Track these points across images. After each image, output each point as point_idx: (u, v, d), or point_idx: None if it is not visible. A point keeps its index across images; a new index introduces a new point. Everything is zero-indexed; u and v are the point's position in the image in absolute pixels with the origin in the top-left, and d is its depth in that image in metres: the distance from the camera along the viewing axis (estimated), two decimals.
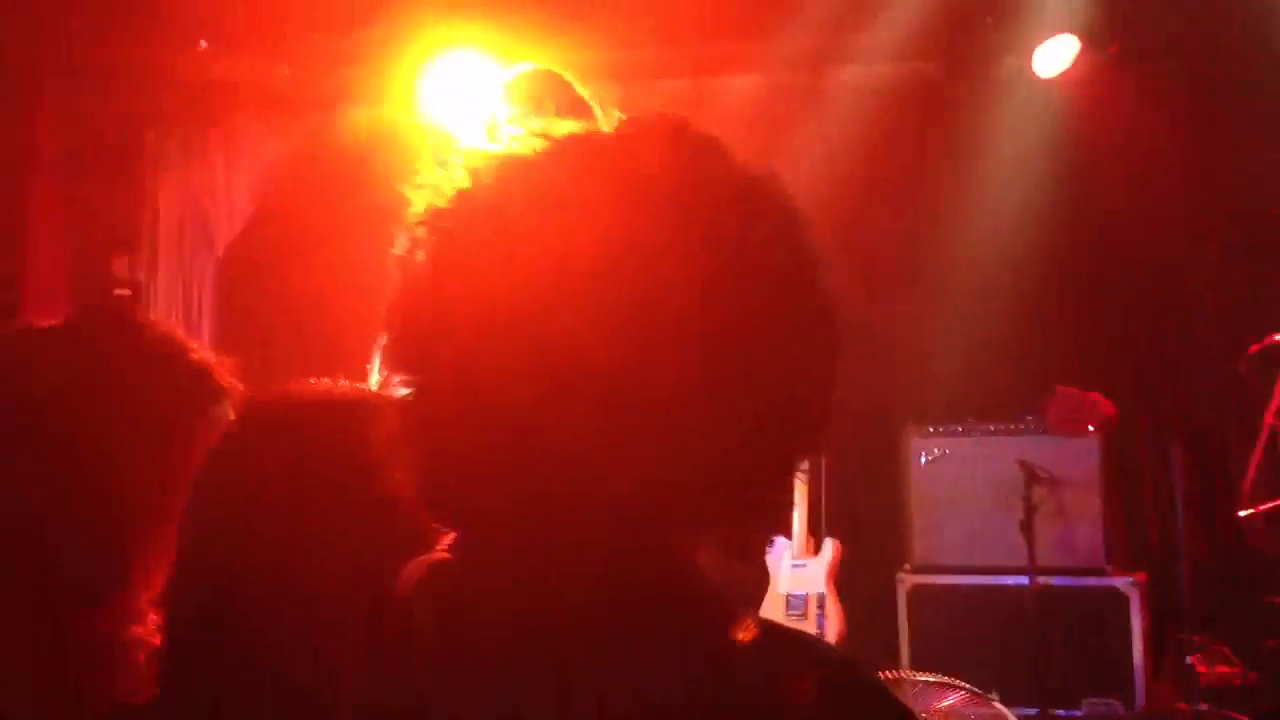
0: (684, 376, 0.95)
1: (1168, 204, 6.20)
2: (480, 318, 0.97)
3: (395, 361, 1.03)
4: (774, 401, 0.99)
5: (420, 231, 1.04)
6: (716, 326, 0.96)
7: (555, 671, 0.95)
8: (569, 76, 3.43)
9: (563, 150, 1.03)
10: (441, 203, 1.03)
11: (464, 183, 1.03)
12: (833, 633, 5.44)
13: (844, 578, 5.72)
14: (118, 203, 6.86)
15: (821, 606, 5.55)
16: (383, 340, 1.07)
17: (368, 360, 5.78)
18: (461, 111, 5.24)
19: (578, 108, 3.35)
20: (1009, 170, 6.40)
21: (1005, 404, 5.88)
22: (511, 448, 0.96)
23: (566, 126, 1.05)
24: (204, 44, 6.18)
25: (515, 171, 1.03)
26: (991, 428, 5.71)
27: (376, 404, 1.44)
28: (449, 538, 1.06)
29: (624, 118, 1.06)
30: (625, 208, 0.98)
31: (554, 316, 0.95)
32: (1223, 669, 5.46)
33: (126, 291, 6.95)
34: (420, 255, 1.03)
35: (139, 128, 6.92)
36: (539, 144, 1.04)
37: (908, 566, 5.68)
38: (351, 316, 6.65)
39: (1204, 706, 5.19)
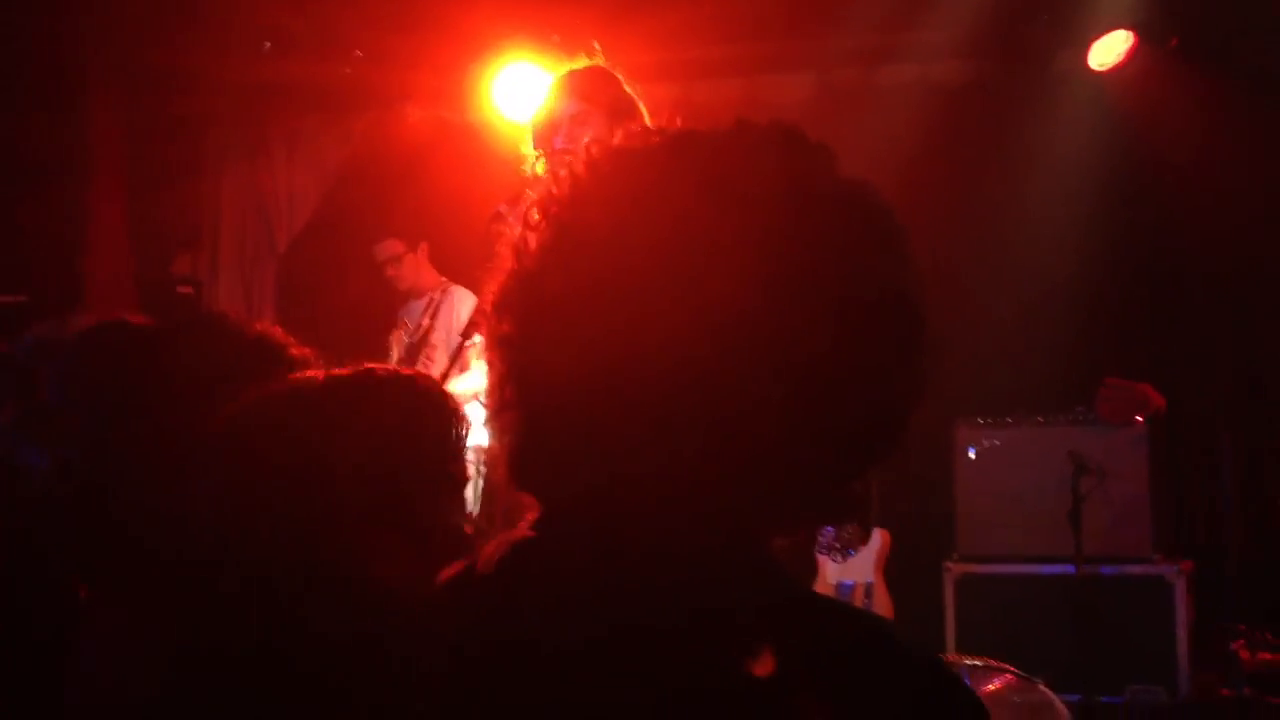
0: (782, 372, 0.97)
1: (1221, 199, 6.19)
2: (588, 301, 1.00)
3: (502, 339, 1.06)
4: (865, 403, 1.01)
5: (535, 218, 1.07)
6: (816, 328, 0.98)
7: (632, 655, 0.96)
8: (617, 74, 3.49)
9: (677, 147, 1.06)
10: (557, 191, 1.07)
11: (580, 173, 1.06)
12: None
13: (892, 567, 5.78)
14: (180, 203, 6.93)
15: (869, 595, 5.62)
16: (486, 320, 1.10)
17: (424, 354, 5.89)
18: (524, 111, 5.33)
19: (625, 105, 3.43)
20: (1063, 165, 6.41)
21: (1055, 396, 5.92)
22: (604, 429, 0.99)
23: (679, 123, 1.08)
24: (267, 45, 6.25)
25: (630, 164, 1.05)
26: (1040, 419, 5.74)
27: (423, 383, 1.50)
28: (532, 516, 1.07)
29: (738, 119, 1.08)
30: (734, 206, 1.00)
31: (658, 305, 0.97)
32: (1265, 656, 5.46)
33: (189, 290, 7.04)
34: (533, 241, 1.06)
35: (201, 129, 7.00)
36: (654, 140, 1.07)
37: (955, 556, 5.73)
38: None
39: (1247, 691, 5.21)
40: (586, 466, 1.00)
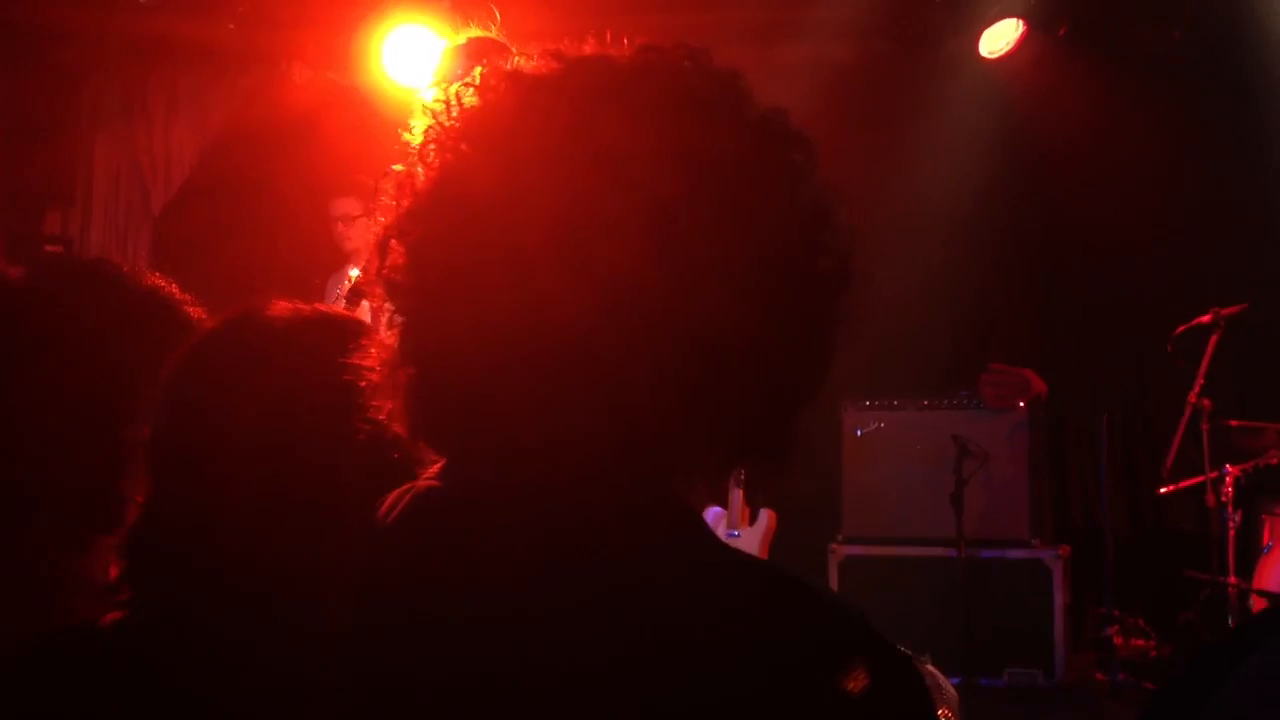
0: (672, 335, 0.92)
1: (1110, 185, 6.30)
2: (488, 236, 0.94)
3: (392, 285, 1.00)
4: (764, 369, 0.96)
5: (426, 151, 1.00)
6: (725, 257, 0.93)
7: (530, 601, 0.92)
8: (509, 45, 3.43)
9: (576, 70, 0.99)
10: (447, 121, 1.00)
11: (472, 101, 1.00)
12: None
13: (777, 548, 5.79)
14: (52, 159, 6.73)
15: None
16: (370, 264, 1.03)
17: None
18: (416, 74, 5.23)
19: None
20: (953, 149, 6.47)
21: (940, 379, 5.98)
22: (514, 375, 0.93)
23: (580, 49, 1.01)
24: None
25: (527, 90, 0.99)
26: (926, 402, 5.79)
27: (352, 324, 1.46)
28: (436, 466, 1.03)
29: (643, 44, 1.02)
30: (637, 130, 0.94)
31: (563, 234, 0.92)
32: (1138, 642, 5.60)
33: (58, 249, 6.84)
34: (422, 174, 0.99)
35: (77, 82, 6.79)
36: (553, 65, 1.00)
37: (840, 538, 5.77)
38: (289, 281, 6.65)
39: (1122, 677, 5.32)
40: (484, 422, 0.96)
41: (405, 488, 1.03)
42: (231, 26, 6.22)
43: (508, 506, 0.96)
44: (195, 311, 1.66)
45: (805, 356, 0.99)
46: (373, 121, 5.87)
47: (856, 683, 0.90)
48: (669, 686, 0.88)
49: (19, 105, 6.48)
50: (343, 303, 3.17)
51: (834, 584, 5.69)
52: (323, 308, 1.46)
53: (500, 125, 0.98)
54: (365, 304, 3.12)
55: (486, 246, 0.94)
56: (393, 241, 1.00)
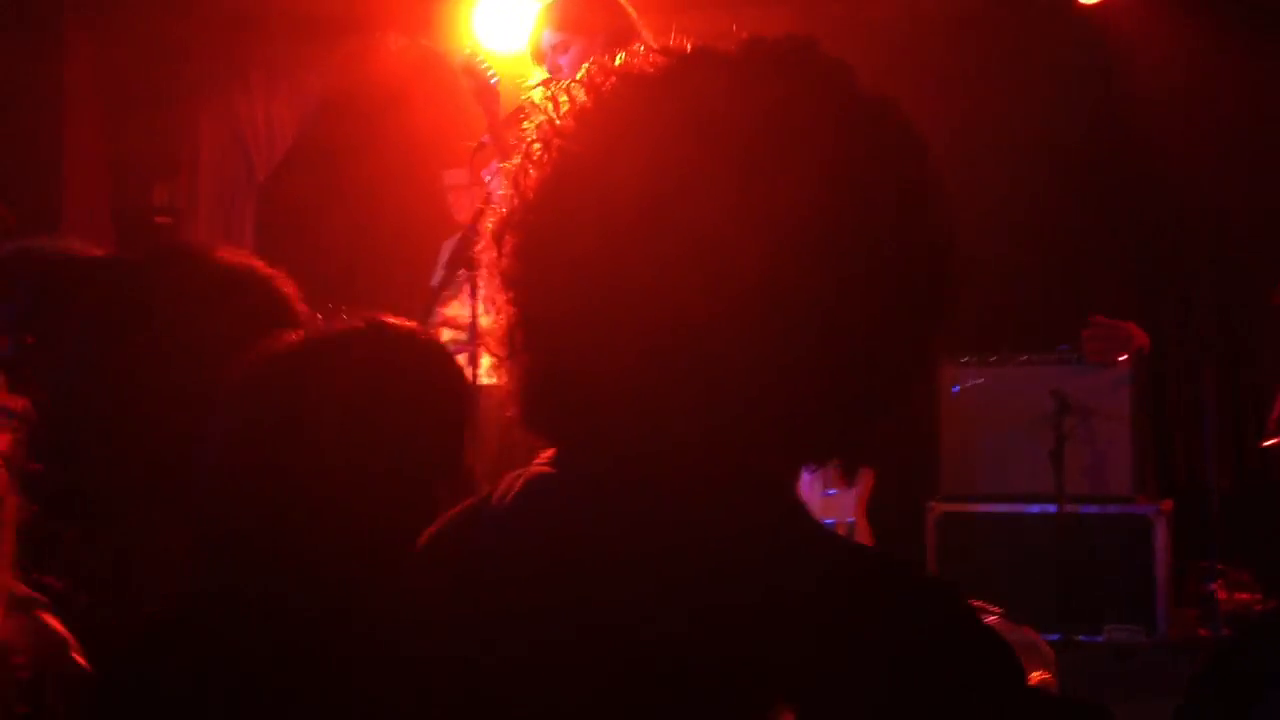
0: (809, 302, 0.94)
1: (1209, 134, 6.16)
2: (602, 235, 0.96)
3: (504, 278, 1.03)
4: (886, 333, 0.98)
5: (536, 148, 1.02)
6: (838, 255, 0.95)
7: (649, 586, 0.95)
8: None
9: (685, 68, 1.01)
10: (559, 120, 1.02)
11: (583, 99, 1.01)
12: None
13: (874, 506, 5.79)
14: (158, 132, 6.86)
15: (851, 534, 5.63)
16: (484, 256, 1.06)
17: (405, 292, 5.85)
18: (510, 41, 5.26)
19: (615, 30, 3.37)
20: (1049, 101, 6.38)
21: (1040, 334, 5.91)
22: (623, 363, 0.96)
23: (687, 44, 1.03)
24: None
25: (637, 88, 1.00)
26: (1025, 358, 5.73)
27: (430, 341, 1.51)
28: (548, 453, 1.05)
29: (749, 37, 1.04)
30: (750, 129, 0.96)
31: (674, 235, 0.94)
32: (1243, 596, 5.51)
33: (167, 220, 6.98)
34: (533, 174, 1.01)
35: (179, 56, 6.91)
36: (662, 61, 1.02)
37: (938, 495, 5.74)
38: (391, 248, 6.75)
39: (1226, 632, 5.25)
40: (600, 407, 0.98)
41: (517, 473, 1.05)
42: None
43: (619, 493, 0.98)
44: (289, 289, 1.69)
45: (910, 337, 1.01)
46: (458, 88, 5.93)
47: (957, 672, 0.92)
48: (776, 673, 0.91)
49: (123, 79, 6.61)
50: (443, 271, 3.24)
51: (931, 541, 5.68)
52: (415, 327, 1.49)
53: (609, 122, 1.00)
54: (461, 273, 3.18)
55: (596, 240, 0.96)
56: (507, 234, 1.02)
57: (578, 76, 1.04)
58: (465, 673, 1.01)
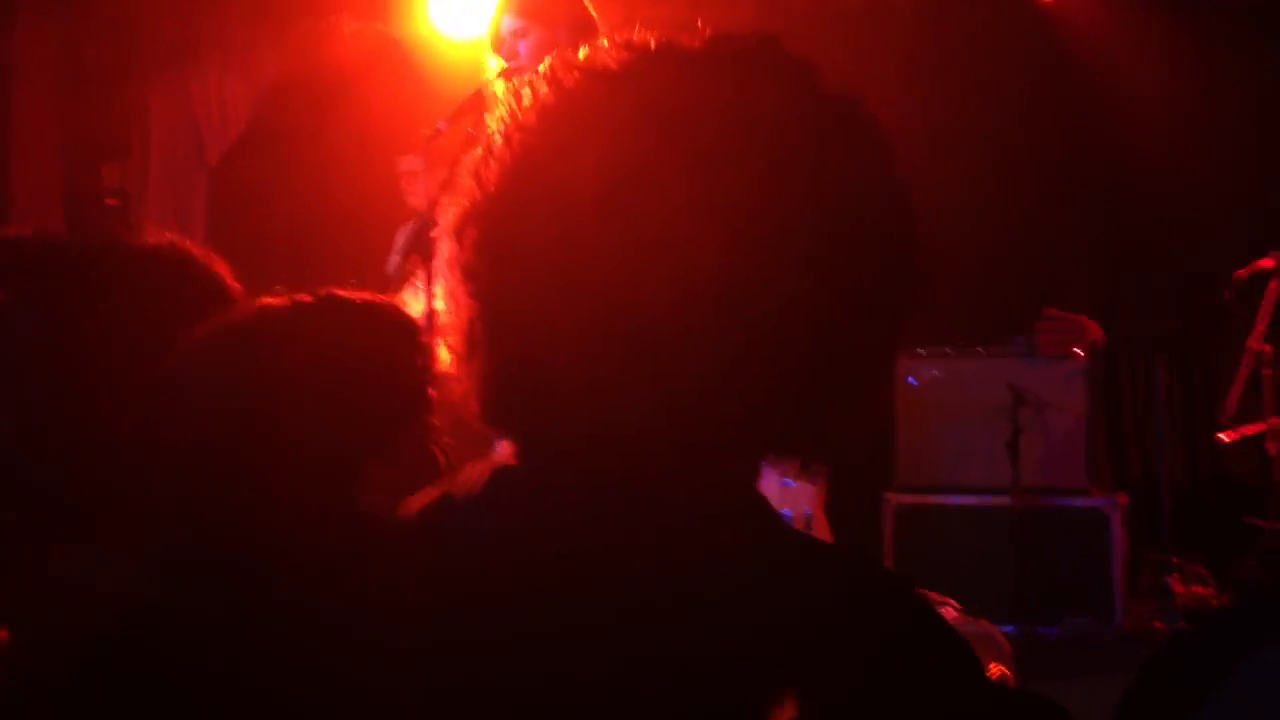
0: (767, 296, 0.94)
1: (1168, 129, 6.20)
2: (561, 230, 0.95)
3: (463, 272, 1.02)
4: (845, 328, 0.98)
5: (497, 141, 1.01)
6: (798, 251, 0.95)
7: (614, 580, 0.96)
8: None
9: (649, 64, 1.01)
10: (521, 114, 1.01)
11: (545, 93, 1.01)
12: None
13: (832, 497, 5.78)
14: (108, 113, 6.78)
15: (809, 526, 5.62)
16: (444, 248, 1.05)
17: (358, 277, 5.81)
18: (465, 27, 5.22)
19: (575, 19, 3.36)
20: (1008, 94, 6.40)
21: (995, 327, 5.93)
22: (584, 359, 0.95)
23: (651, 39, 1.02)
24: None
25: (599, 82, 1.00)
26: (980, 350, 5.75)
27: (392, 311, 1.47)
28: (509, 448, 1.05)
29: (713, 33, 1.04)
30: (713, 126, 0.96)
31: (633, 229, 0.94)
32: (1199, 590, 5.56)
33: (116, 202, 6.90)
34: (494, 168, 1.01)
35: (131, 36, 6.82)
36: (626, 56, 1.01)
37: (894, 486, 5.75)
38: (344, 234, 6.69)
39: (1181, 625, 5.29)
40: (560, 401, 0.98)
41: (480, 463, 1.06)
42: None
43: (580, 487, 0.99)
44: (220, 268, 1.63)
45: (870, 332, 1.00)
46: (423, 71, 5.88)
47: (915, 668, 0.93)
48: (738, 671, 0.92)
49: (73, 57, 6.52)
50: (398, 257, 3.19)
51: (888, 533, 5.69)
52: (374, 298, 1.46)
53: (571, 116, 1.00)
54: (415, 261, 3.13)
55: (556, 233, 0.96)
56: (468, 228, 1.02)
57: (540, 70, 1.03)
58: (439, 664, 1.01)
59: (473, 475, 1.06)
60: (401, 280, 3.22)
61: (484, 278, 1.01)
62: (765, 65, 1.02)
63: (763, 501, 1.02)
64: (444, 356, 1.37)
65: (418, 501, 1.10)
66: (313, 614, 1.20)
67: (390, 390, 1.39)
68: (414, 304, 5.24)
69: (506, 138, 1.01)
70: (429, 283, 3.10)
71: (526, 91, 1.02)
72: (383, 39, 6.38)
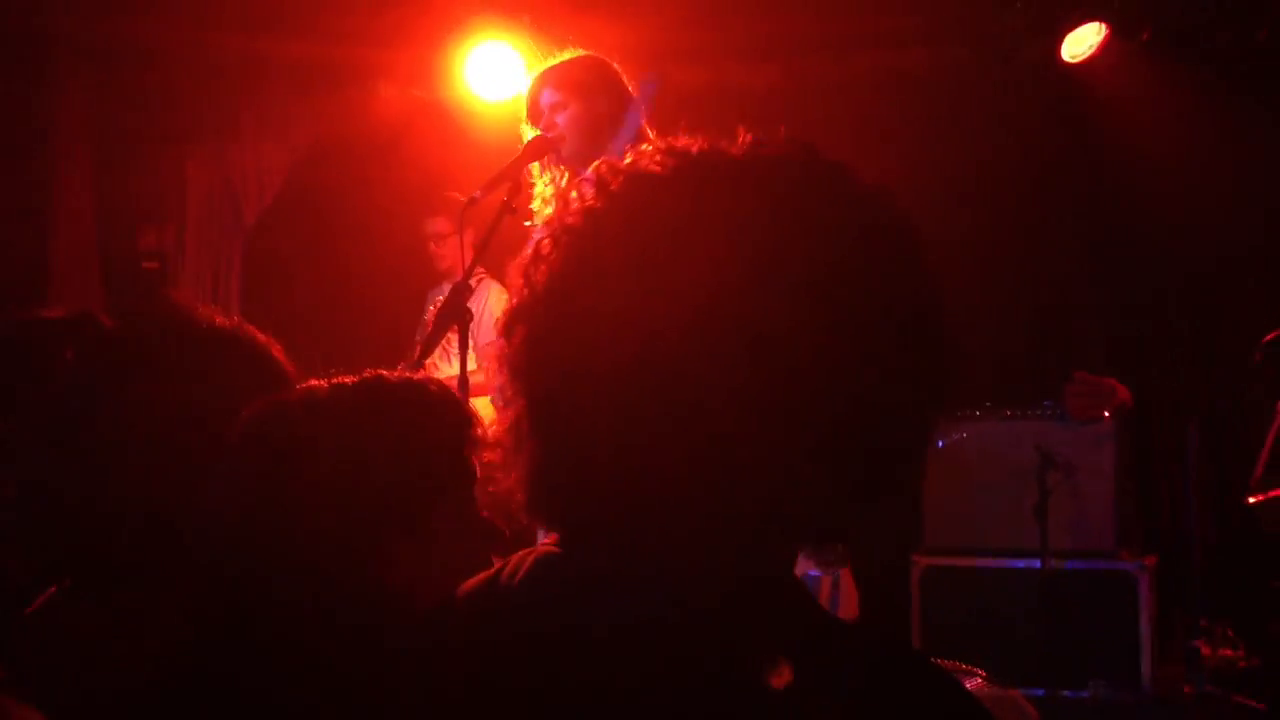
0: (805, 400, 0.97)
1: (1195, 191, 6.21)
2: (605, 335, 0.99)
3: (511, 370, 1.05)
4: (885, 421, 1.01)
5: (546, 246, 1.05)
6: (835, 354, 0.98)
7: (658, 667, 0.97)
8: (607, 60, 3.47)
9: (693, 169, 1.04)
10: (569, 218, 1.05)
11: (592, 197, 1.05)
12: (847, 614, 5.51)
13: (858, 559, 5.78)
14: (146, 178, 6.86)
15: (836, 588, 5.62)
16: (493, 346, 1.09)
17: (393, 343, 5.86)
18: (500, 91, 5.30)
19: (619, 93, 3.42)
20: (1032, 157, 6.43)
21: (1024, 390, 5.94)
22: (631, 454, 0.99)
23: (694, 144, 1.06)
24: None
25: (645, 189, 1.04)
26: (1009, 413, 5.75)
27: (427, 393, 1.51)
28: (553, 536, 1.08)
29: (752, 140, 1.07)
30: (754, 230, 1.00)
31: (678, 338, 0.97)
32: (1226, 652, 5.51)
33: (155, 265, 6.97)
34: (543, 269, 1.04)
35: (169, 103, 6.92)
36: (669, 162, 1.05)
37: (922, 548, 5.75)
38: (380, 299, 6.75)
39: (1209, 689, 5.26)
40: (605, 495, 1.01)
41: (526, 551, 1.09)
42: (319, 47, 6.33)
43: (623, 581, 1.01)
44: (279, 352, 1.69)
45: (910, 419, 1.04)
46: (458, 136, 5.96)
47: None
48: None
49: (111, 124, 6.62)
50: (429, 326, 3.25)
51: (915, 594, 5.68)
52: (413, 380, 1.50)
53: (617, 219, 1.03)
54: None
55: (605, 333, 0.99)
56: (517, 327, 1.05)
57: (588, 174, 1.07)
58: None
59: (517, 561, 1.08)
60: (434, 346, 3.27)
61: (531, 375, 1.04)
62: (802, 170, 1.05)
63: (800, 590, 1.05)
64: (484, 420, 1.42)
65: (468, 584, 1.13)
66: (339, 689, 1.24)
67: (421, 472, 1.42)
68: (446, 368, 5.32)
69: (555, 240, 1.05)
70: (463, 348, 3.15)
71: (574, 195, 1.06)
72: (419, 103, 6.47)
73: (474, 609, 1.10)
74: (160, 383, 1.59)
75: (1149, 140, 6.22)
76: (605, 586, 1.01)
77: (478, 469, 1.49)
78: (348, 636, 1.30)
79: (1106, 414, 5.60)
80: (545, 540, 1.08)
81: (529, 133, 3.45)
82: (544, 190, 3.37)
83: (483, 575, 1.12)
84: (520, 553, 1.09)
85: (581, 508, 1.03)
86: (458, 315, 3.10)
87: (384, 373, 1.49)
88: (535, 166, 3.42)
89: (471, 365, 3.39)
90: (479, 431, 1.51)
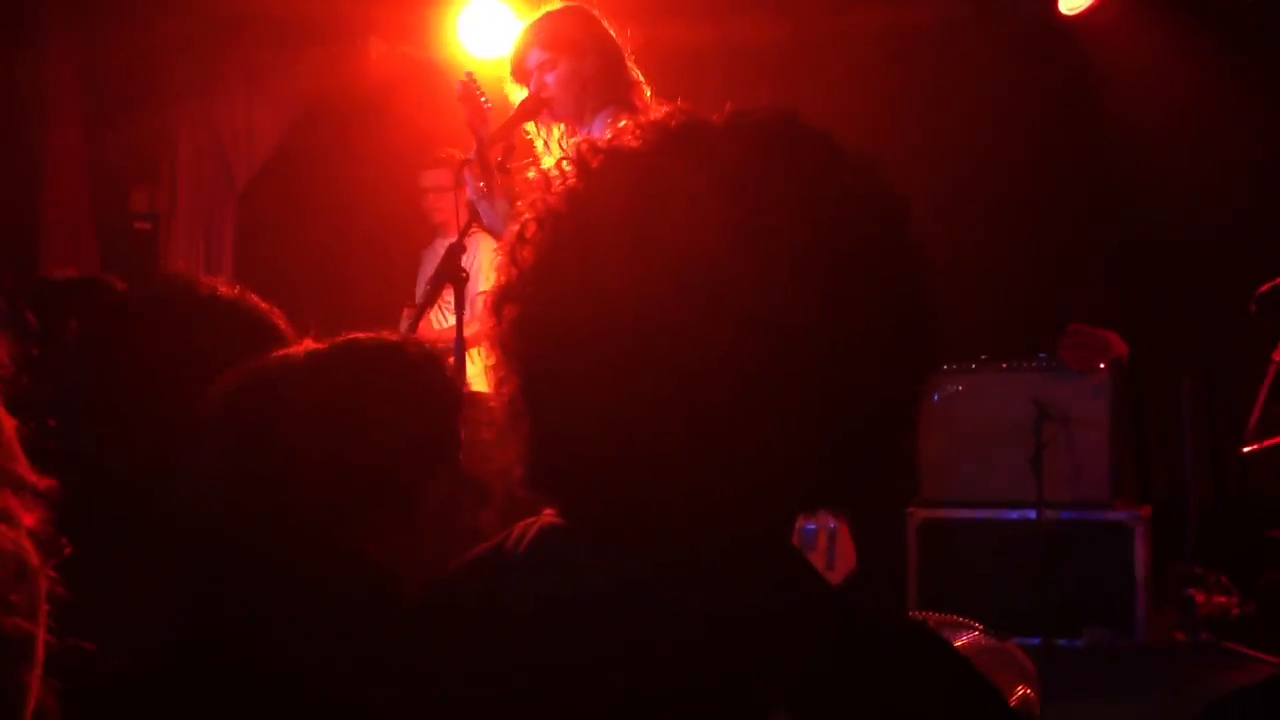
0: (794, 366, 0.98)
1: (1191, 145, 6.21)
2: (595, 311, 1.00)
3: (503, 349, 1.06)
4: (875, 386, 1.02)
5: (530, 228, 1.06)
6: (823, 322, 0.99)
7: (662, 641, 0.98)
8: (593, 13, 3.45)
9: (674, 143, 1.04)
10: (552, 199, 1.06)
11: (573, 177, 1.05)
12: (844, 567, 5.55)
13: (854, 513, 5.81)
14: (137, 138, 6.82)
15: (833, 540, 5.65)
16: (483, 324, 1.12)
17: (387, 303, 5.85)
18: (493, 48, 5.27)
19: (608, 49, 3.40)
20: (1030, 111, 6.43)
21: (1020, 342, 5.96)
22: (625, 434, 0.99)
23: (675, 117, 1.06)
24: None
25: (626, 166, 1.04)
26: (1005, 365, 5.77)
27: (414, 360, 1.49)
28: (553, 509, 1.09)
29: (733, 111, 1.07)
30: (737, 201, 1.00)
31: (666, 311, 0.98)
32: (1220, 599, 5.56)
33: (147, 226, 6.96)
34: (528, 250, 1.05)
35: (159, 62, 6.88)
36: (649, 137, 1.05)
37: (918, 500, 5.78)
38: (370, 255, 6.73)
39: (1204, 636, 5.30)
40: (601, 467, 1.02)
41: (529, 521, 1.10)
42: (306, 2, 6.28)
43: (622, 547, 1.02)
44: (281, 321, 1.68)
45: (901, 381, 1.04)
46: (449, 95, 5.93)
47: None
48: None
49: (103, 84, 6.58)
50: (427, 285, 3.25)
51: (912, 547, 5.72)
52: (401, 345, 1.48)
53: (598, 199, 1.04)
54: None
55: (589, 311, 1.00)
56: (506, 306, 1.06)
57: (567, 150, 1.08)
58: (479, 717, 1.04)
59: (520, 530, 1.10)
60: (430, 304, 3.27)
61: (522, 353, 1.05)
62: (785, 139, 1.05)
63: (797, 555, 1.06)
64: (474, 384, 1.41)
65: (472, 552, 1.15)
66: (326, 659, 1.24)
67: (403, 440, 1.41)
68: (442, 326, 5.32)
69: (539, 221, 1.05)
70: (459, 308, 3.15)
71: (557, 175, 1.06)
72: (409, 61, 6.43)
73: (479, 577, 1.11)
74: (167, 348, 1.59)
75: (1147, 93, 6.21)
76: (606, 555, 1.03)
77: (463, 433, 1.48)
78: (333, 607, 1.29)
79: (1102, 365, 5.62)
80: (548, 511, 1.10)
81: (516, 93, 3.44)
82: (542, 149, 3.37)
83: (487, 544, 1.13)
84: (523, 522, 1.10)
85: (580, 480, 1.03)
86: (453, 275, 3.10)
87: (359, 335, 1.46)
88: (531, 126, 3.41)
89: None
90: (465, 392, 1.50)
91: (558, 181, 1.06)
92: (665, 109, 1.07)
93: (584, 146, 1.07)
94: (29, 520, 0.80)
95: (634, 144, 1.05)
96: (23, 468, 0.83)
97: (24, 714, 0.77)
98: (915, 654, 1.00)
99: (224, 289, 1.67)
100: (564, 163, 1.07)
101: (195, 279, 1.68)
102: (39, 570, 0.80)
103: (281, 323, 1.66)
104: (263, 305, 1.68)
